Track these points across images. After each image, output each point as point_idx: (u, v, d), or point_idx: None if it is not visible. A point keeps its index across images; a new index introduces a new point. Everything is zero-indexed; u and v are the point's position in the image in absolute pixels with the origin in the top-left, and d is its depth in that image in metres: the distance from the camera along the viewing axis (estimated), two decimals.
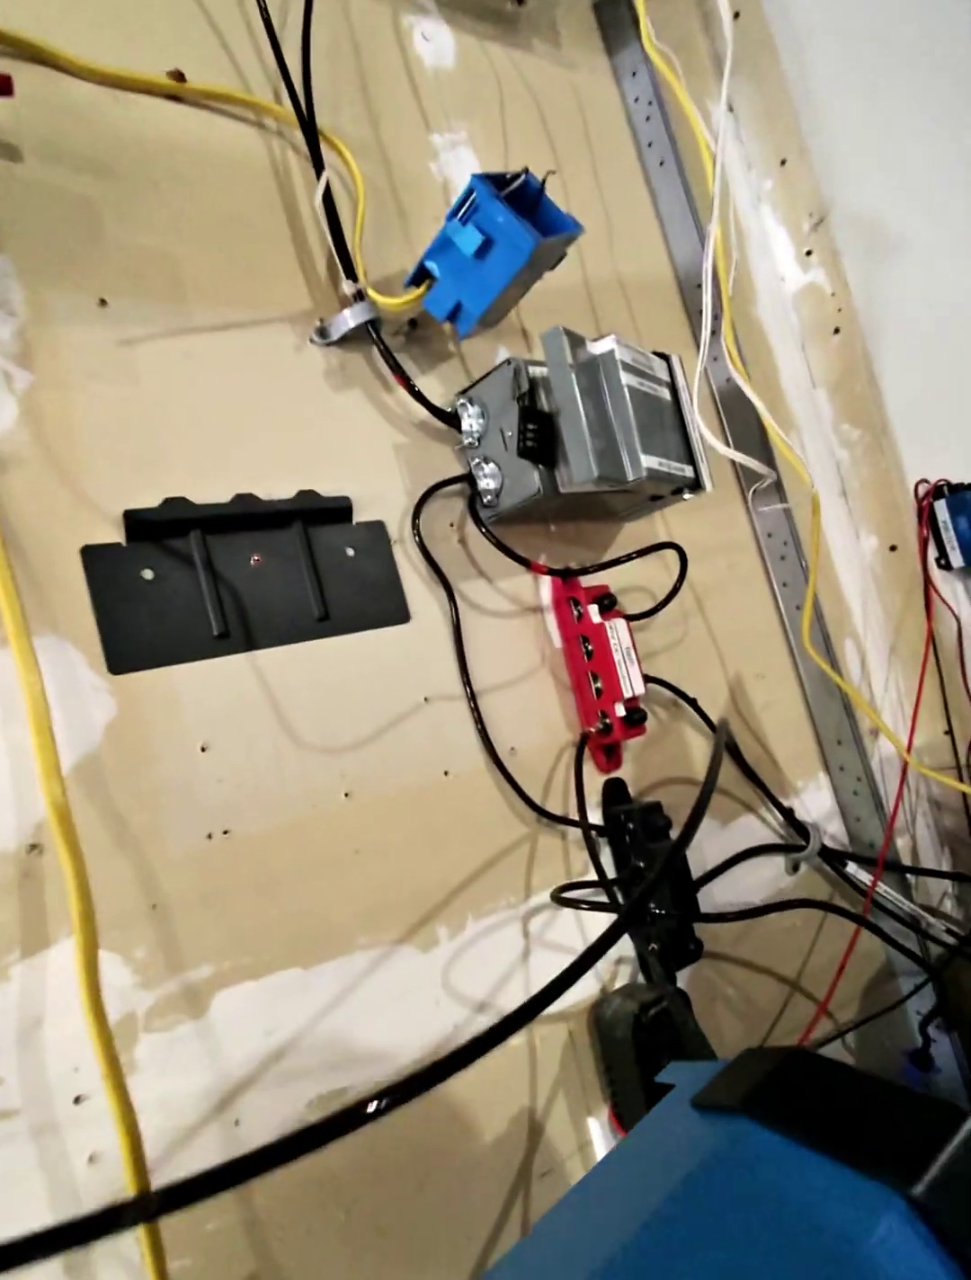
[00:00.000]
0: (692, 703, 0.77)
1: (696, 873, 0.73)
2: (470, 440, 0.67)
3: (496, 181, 0.59)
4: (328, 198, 0.64)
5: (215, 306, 0.60)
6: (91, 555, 0.52)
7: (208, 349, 0.59)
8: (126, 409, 0.55)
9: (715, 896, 0.75)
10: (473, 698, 0.64)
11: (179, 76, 0.61)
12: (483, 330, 0.67)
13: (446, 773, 0.62)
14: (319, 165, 0.65)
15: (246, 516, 0.57)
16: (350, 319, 0.63)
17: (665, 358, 0.71)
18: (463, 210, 0.59)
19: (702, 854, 0.75)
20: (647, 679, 0.73)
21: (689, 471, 0.69)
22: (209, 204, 0.62)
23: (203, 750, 0.53)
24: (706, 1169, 0.30)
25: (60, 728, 0.48)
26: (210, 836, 0.52)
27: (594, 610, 0.69)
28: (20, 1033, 0.45)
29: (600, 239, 0.87)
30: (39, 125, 0.56)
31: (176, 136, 0.62)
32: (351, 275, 0.64)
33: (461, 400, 0.67)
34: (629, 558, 0.71)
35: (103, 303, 0.56)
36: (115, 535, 0.53)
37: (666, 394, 0.70)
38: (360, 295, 0.64)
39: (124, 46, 0.60)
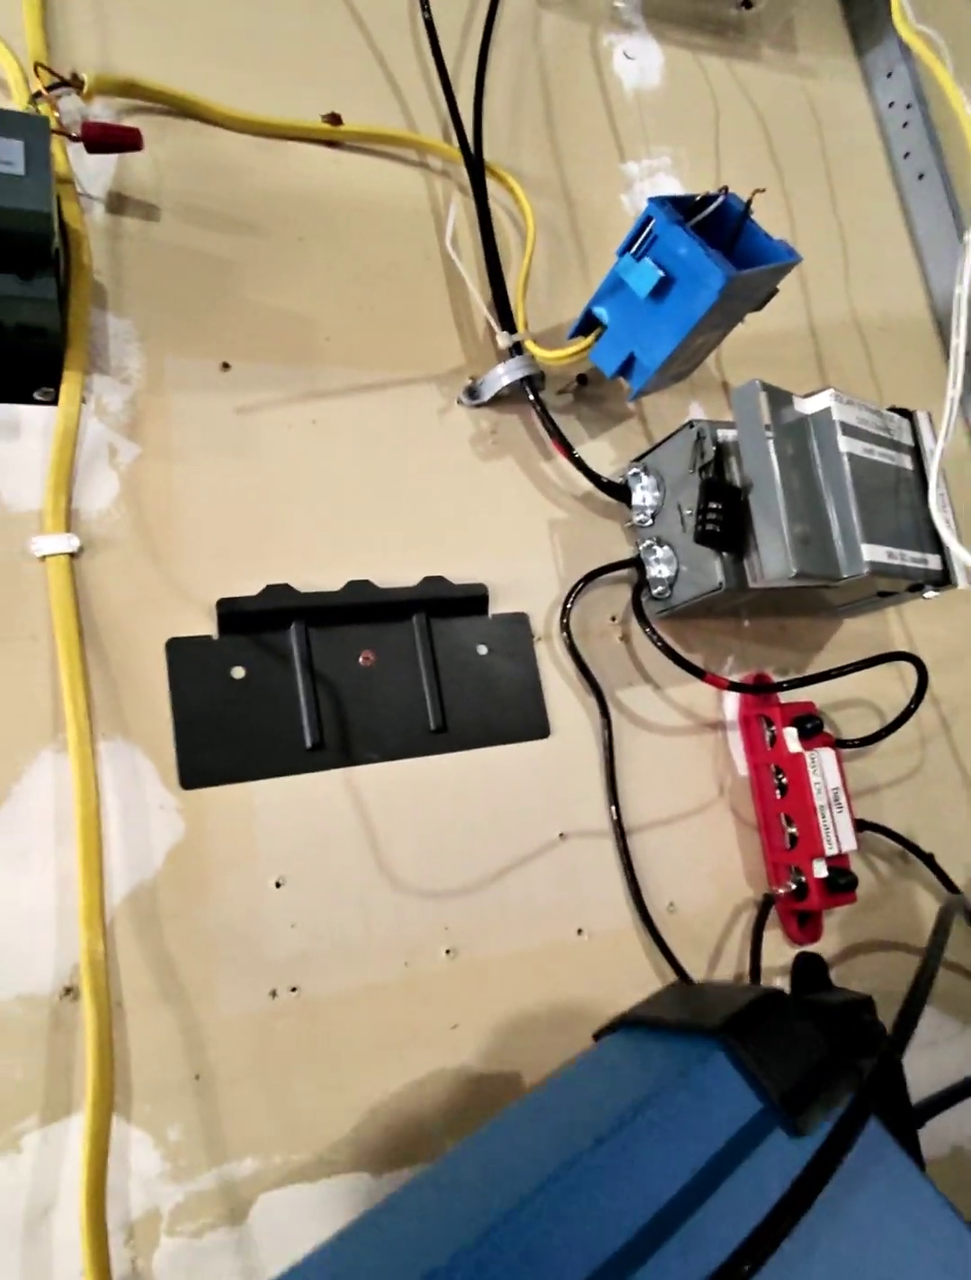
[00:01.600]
0: (927, 859, 0.59)
1: (926, 1093, 0.54)
2: (641, 518, 0.55)
3: (681, 206, 0.48)
4: (487, 239, 0.56)
5: (353, 367, 0.53)
6: (176, 649, 0.46)
7: (338, 414, 0.52)
8: (237, 483, 0.49)
9: (953, 1132, 0.56)
10: (622, 836, 0.52)
11: (335, 119, 0.56)
12: (664, 386, 0.55)
13: (580, 931, 0.50)
14: (482, 204, 0.57)
15: (358, 607, 0.49)
16: (503, 375, 0.54)
17: (908, 415, 0.56)
18: (637, 243, 0.48)
19: (937, 1068, 0.56)
20: (863, 827, 0.56)
21: (933, 562, 0.53)
22: (358, 255, 0.55)
23: (277, 886, 0.45)
24: (580, 1068, 0.34)
25: (116, 851, 0.42)
26: (275, 994, 0.43)
27: (791, 735, 0.54)
28: (28, 1219, 0.38)
29: (834, 270, 0.72)
30: (179, 182, 0.52)
31: (328, 185, 0.56)
32: (508, 326, 0.55)
33: (633, 469, 0.55)
34: (840, 671, 0.55)
35: (225, 366, 0.50)
36: (208, 627, 0.47)
37: (908, 462, 0.54)
38: (517, 348, 0.54)
39: (278, 92, 0.55)
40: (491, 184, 0.58)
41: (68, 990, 0.40)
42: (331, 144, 0.57)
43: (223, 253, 0.53)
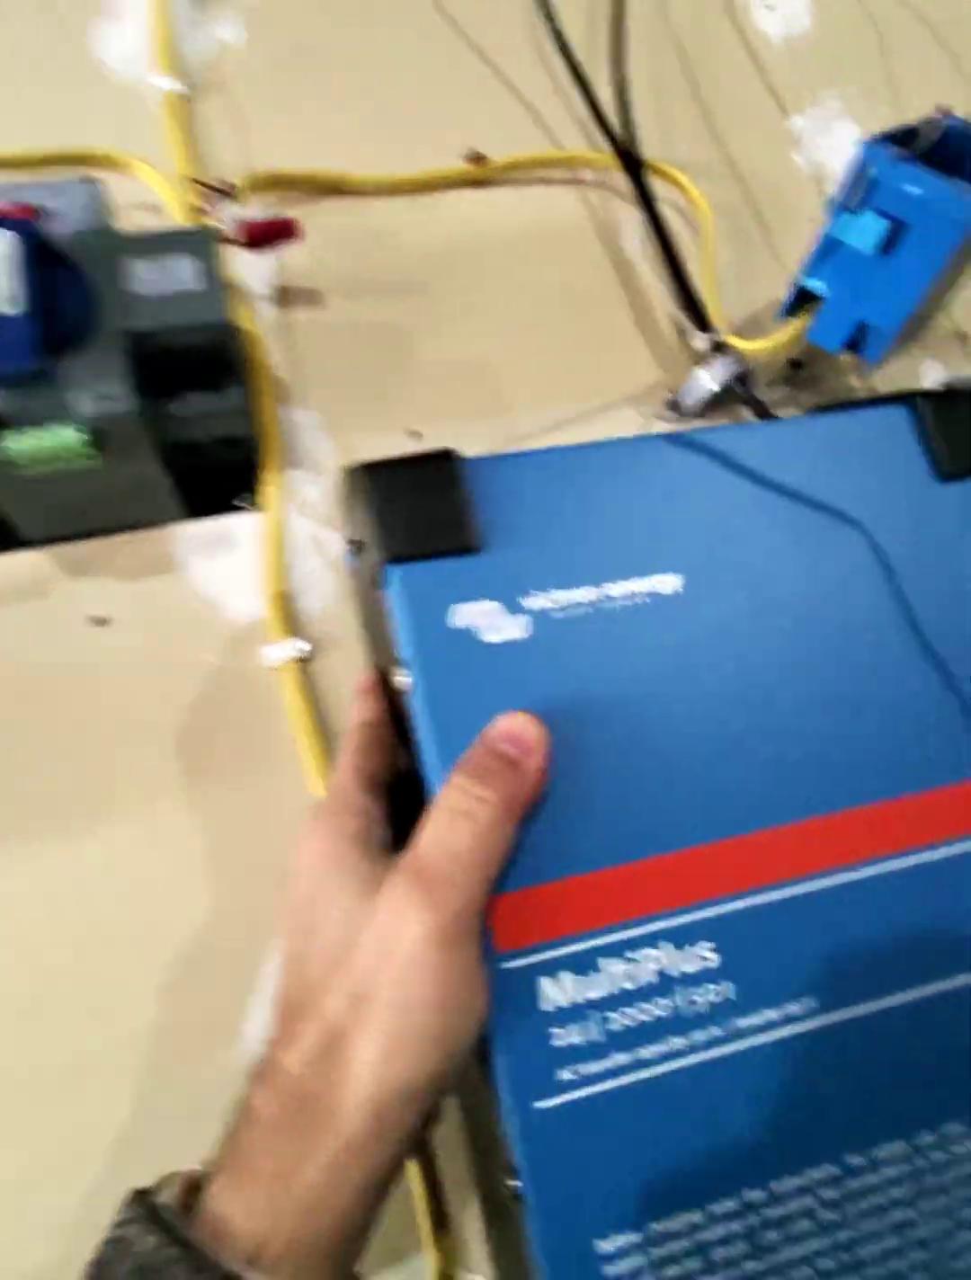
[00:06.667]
0: None
1: None
2: None
3: (900, 140, 0.41)
4: (662, 238, 0.51)
5: (545, 406, 0.50)
6: None
7: None
8: None
9: None
10: None
11: (478, 158, 0.53)
12: (899, 350, 0.48)
13: None
14: (648, 204, 0.52)
15: None
16: (706, 380, 0.48)
17: None
18: (851, 194, 0.41)
19: None
20: None
21: None
22: (527, 288, 0.52)
23: None
24: None
25: None
26: None
27: None
28: None
29: None
30: (338, 261, 0.51)
31: (483, 225, 0.53)
32: (703, 326, 0.49)
33: None
34: None
35: (415, 434, 0.48)
36: None
37: None
38: (719, 347, 0.49)
39: (416, 146, 0.53)
40: (653, 181, 0.54)
41: None
42: (479, 184, 0.54)
43: (392, 320, 0.51)
